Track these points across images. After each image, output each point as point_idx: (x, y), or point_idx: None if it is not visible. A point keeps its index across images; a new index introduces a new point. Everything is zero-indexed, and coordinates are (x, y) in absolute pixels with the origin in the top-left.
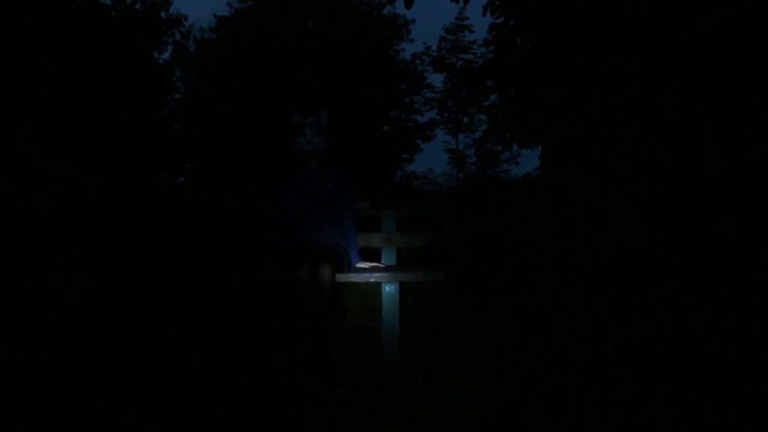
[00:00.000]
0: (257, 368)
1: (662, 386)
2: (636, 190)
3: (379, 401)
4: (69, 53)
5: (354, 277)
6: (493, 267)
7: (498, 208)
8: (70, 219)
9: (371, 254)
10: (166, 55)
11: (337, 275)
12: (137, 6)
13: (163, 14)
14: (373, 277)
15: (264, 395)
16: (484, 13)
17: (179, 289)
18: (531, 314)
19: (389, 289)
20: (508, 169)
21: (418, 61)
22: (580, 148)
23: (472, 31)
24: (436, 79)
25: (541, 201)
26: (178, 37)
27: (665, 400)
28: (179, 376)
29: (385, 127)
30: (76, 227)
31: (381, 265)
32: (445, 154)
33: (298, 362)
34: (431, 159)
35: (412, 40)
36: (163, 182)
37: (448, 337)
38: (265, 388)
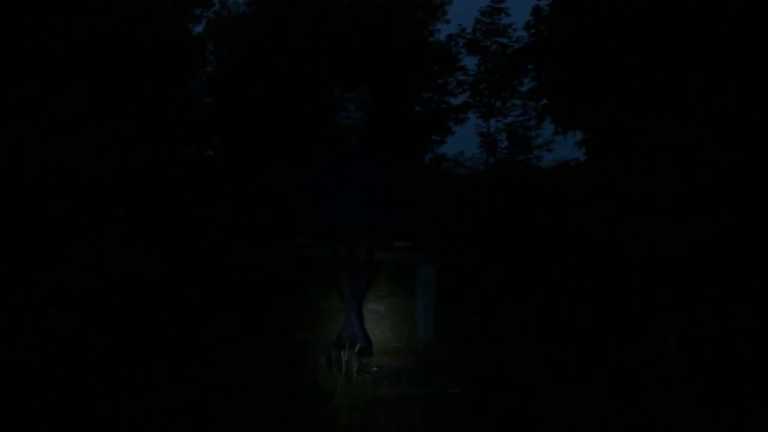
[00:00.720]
0: (289, 345)
1: (727, 379)
2: (700, 178)
3: (414, 382)
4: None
5: (391, 256)
6: (536, 252)
7: (542, 193)
8: (123, 185)
9: (407, 234)
10: (199, 28)
11: (375, 254)
12: None
13: None
14: (410, 257)
15: (295, 372)
16: None
17: (211, 265)
18: (582, 301)
19: (426, 269)
20: (541, 155)
21: (452, 43)
22: (635, 134)
23: (508, 15)
24: (470, 62)
25: (599, 188)
26: (216, 6)
27: (727, 392)
28: (214, 350)
29: (418, 108)
30: (127, 194)
31: (417, 245)
32: (477, 138)
33: (332, 340)
34: (463, 142)
35: (448, 21)
36: (193, 155)
37: (485, 319)
38: (296, 364)
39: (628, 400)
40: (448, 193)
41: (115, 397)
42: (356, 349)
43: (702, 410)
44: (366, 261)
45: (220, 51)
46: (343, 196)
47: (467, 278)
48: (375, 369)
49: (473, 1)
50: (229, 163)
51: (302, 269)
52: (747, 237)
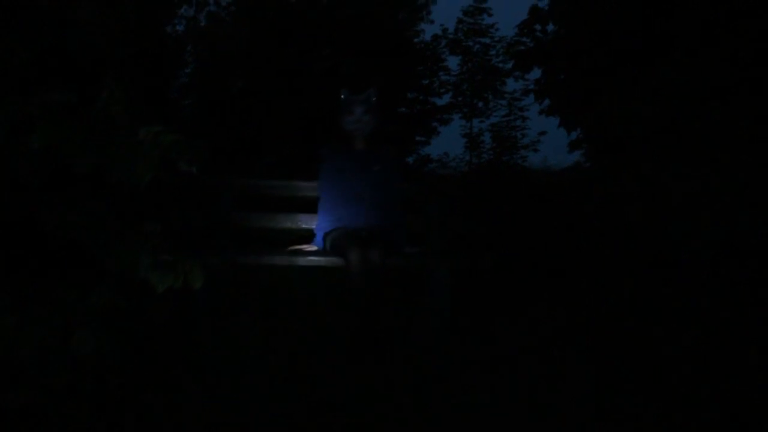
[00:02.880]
0: (301, 354)
1: None
2: (740, 178)
3: (430, 391)
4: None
5: (403, 262)
6: (552, 255)
7: (551, 194)
8: (156, 193)
9: (418, 238)
10: (179, 29)
11: (387, 259)
12: None
13: None
14: (422, 262)
15: (307, 381)
16: None
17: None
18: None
19: (439, 274)
20: (526, 155)
21: (435, 43)
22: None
23: (490, 15)
24: (454, 62)
25: (626, 189)
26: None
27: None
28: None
29: (402, 109)
30: (157, 202)
31: (428, 250)
32: (463, 139)
33: (346, 350)
34: (449, 143)
35: (432, 22)
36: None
37: (501, 324)
38: (308, 374)
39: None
40: (457, 194)
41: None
42: None
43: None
44: (379, 266)
45: (198, 52)
46: (352, 201)
47: (483, 282)
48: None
49: (457, 1)
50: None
51: (313, 277)
52: None
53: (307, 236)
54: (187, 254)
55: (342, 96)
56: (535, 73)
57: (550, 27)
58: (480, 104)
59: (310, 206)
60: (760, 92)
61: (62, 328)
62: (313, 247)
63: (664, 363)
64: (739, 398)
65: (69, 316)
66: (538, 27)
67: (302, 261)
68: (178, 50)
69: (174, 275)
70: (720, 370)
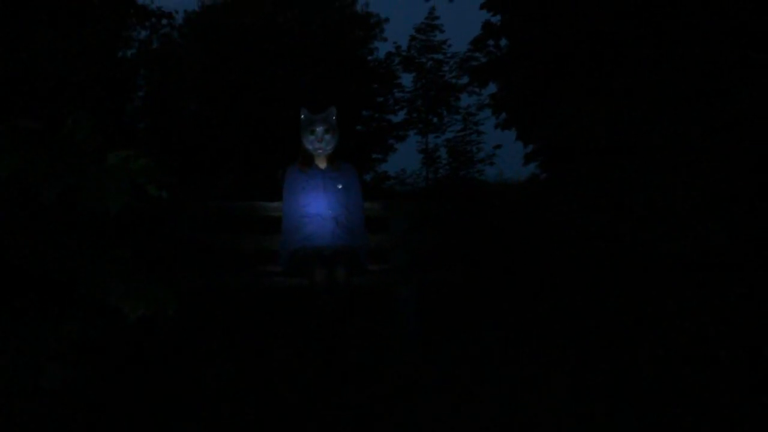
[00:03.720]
0: (269, 377)
1: None
2: (706, 186)
3: (397, 410)
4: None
5: (368, 280)
6: (519, 267)
7: (512, 207)
8: (125, 220)
9: (381, 256)
10: (130, 53)
11: (353, 278)
12: None
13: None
14: (388, 280)
15: (276, 403)
16: (482, 8)
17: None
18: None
19: (405, 291)
20: (483, 169)
21: (390, 61)
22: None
23: (442, 31)
24: (407, 79)
25: (589, 199)
26: (166, 28)
27: None
28: (197, 386)
29: (358, 127)
30: (126, 228)
31: (393, 267)
32: (419, 155)
33: (312, 371)
34: (406, 160)
35: (385, 39)
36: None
37: (470, 340)
38: (277, 397)
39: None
40: (421, 211)
41: None
42: None
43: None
44: (345, 285)
45: (152, 76)
46: (316, 220)
47: (449, 297)
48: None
49: (409, 18)
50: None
51: (277, 297)
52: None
53: (272, 257)
54: (158, 280)
55: (302, 115)
56: (491, 88)
57: (503, 42)
58: (435, 120)
59: (273, 226)
60: (715, 100)
61: (32, 361)
62: (277, 268)
63: (637, 372)
64: (714, 402)
65: (39, 349)
66: (491, 42)
67: (267, 282)
68: (131, 73)
69: (146, 302)
70: (688, 376)
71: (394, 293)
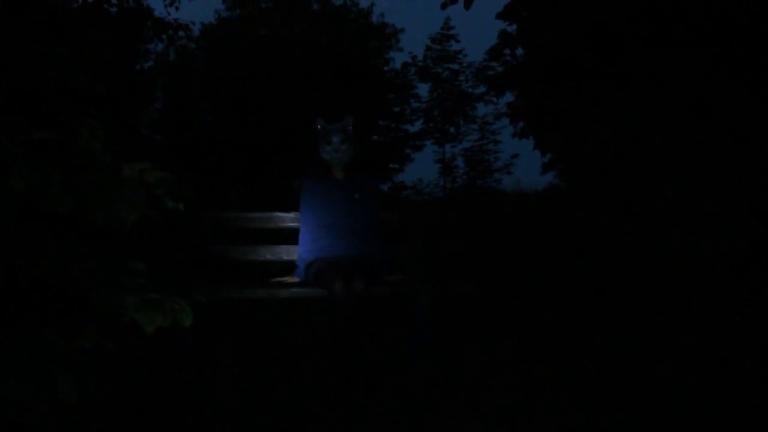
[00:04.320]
0: (285, 387)
1: None
2: (724, 196)
3: (419, 421)
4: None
5: (385, 291)
6: (534, 276)
7: (528, 216)
8: (141, 232)
9: (399, 266)
10: (148, 65)
11: (370, 288)
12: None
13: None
14: (405, 291)
15: (294, 412)
16: (497, 17)
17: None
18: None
19: (421, 302)
20: (500, 178)
21: (406, 71)
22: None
23: (457, 41)
24: (423, 89)
25: (605, 207)
26: (183, 40)
27: None
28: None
29: (375, 137)
30: (142, 240)
31: (410, 278)
32: (436, 165)
33: (329, 381)
34: (423, 169)
35: (401, 50)
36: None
37: (485, 351)
38: (294, 406)
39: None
40: (438, 222)
41: None
42: None
43: None
44: (362, 296)
45: (169, 86)
46: (334, 231)
47: (466, 307)
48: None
49: (424, 28)
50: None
51: (294, 308)
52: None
53: (289, 268)
54: (174, 292)
55: (318, 126)
56: (507, 97)
57: (519, 51)
58: (452, 129)
59: (290, 237)
60: (726, 107)
61: (48, 373)
62: (295, 279)
63: (656, 381)
64: (739, 406)
65: (53, 363)
66: (507, 51)
67: (285, 293)
68: (148, 85)
69: (163, 314)
70: (704, 385)
71: (411, 304)
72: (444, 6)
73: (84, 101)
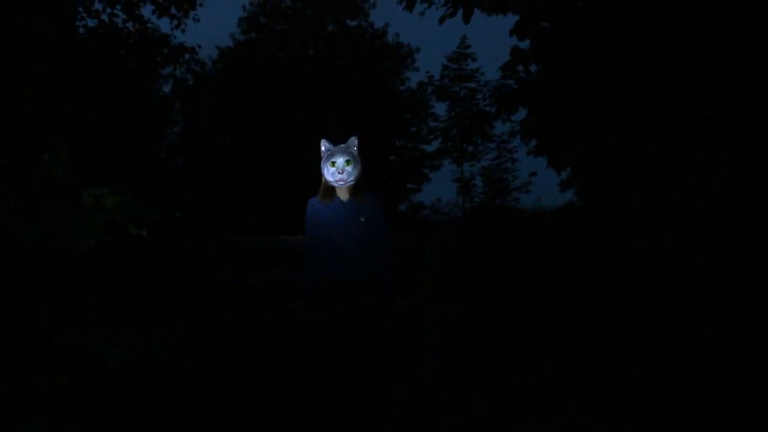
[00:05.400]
0: (293, 412)
1: None
2: (742, 211)
3: None
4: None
5: (394, 314)
6: (550, 296)
7: (546, 235)
8: (104, 260)
9: (410, 288)
10: (166, 89)
11: (378, 311)
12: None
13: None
14: (415, 313)
15: None
16: (511, 34)
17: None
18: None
19: (432, 325)
20: (519, 197)
21: (422, 91)
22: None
23: (474, 59)
24: (440, 108)
25: (625, 224)
26: (194, 66)
27: None
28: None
29: (391, 157)
30: (109, 269)
31: (420, 301)
32: (454, 184)
33: (337, 411)
34: (440, 189)
35: (417, 69)
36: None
37: (495, 373)
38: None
39: None
40: (450, 243)
41: None
42: None
43: None
44: (370, 319)
45: (187, 111)
46: (339, 252)
47: (480, 331)
48: None
49: (441, 48)
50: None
51: (302, 331)
52: None
53: (295, 291)
54: (146, 322)
55: (323, 147)
56: (521, 114)
57: (533, 68)
58: (470, 148)
59: (297, 260)
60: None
61: (16, 415)
62: (301, 302)
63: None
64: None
65: (14, 404)
66: (521, 68)
67: (291, 316)
68: (165, 109)
69: (128, 347)
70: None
71: (421, 326)
72: (442, 20)
73: (64, 124)
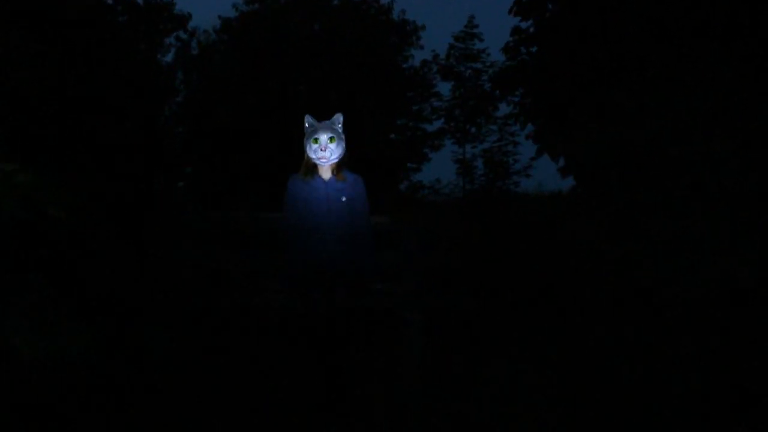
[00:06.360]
0: (264, 407)
1: None
2: (734, 215)
3: None
4: (53, 46)
5: (372, 302)
6: (535, 294)
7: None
8: (29, 247)
9: (390, 275)
10: (168, 57)
11: (355, 300)
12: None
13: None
14: (394, 303)
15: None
16: (509, 12)
17: (176, 317)
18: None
19: (412, 316)
20: (518, 181)
21: (426, 69)
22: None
23: (481, 40)
24: (445, 88)
25: (602, 225)
26: (183, 35)
27: None
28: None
29: (392, 135)
30: (36, 258)
31: (401, 289)
32: (454, 165)
33: (309, 400)
34: (440, 169)
35: (421, 47)
36: (158, 194)
37: (481, 371)
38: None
39: None
40: (434, 228)
41: None
42: None
43: None
44: (345, 307)
45: (189, 80)
46: (316, 235)
47: (461, 324)
48: None
49: (447, 26)
50: (199, 200)
51: (276, 318)
52: None
53: (275, 273)
54: (68, 315)
55: (306, 123)
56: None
57: (535, 49)
58: (473, 129)
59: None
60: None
61: None
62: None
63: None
64: None
65: None
66: (523, 50)
67: (260, 302)
68: (167, 78)
69: (48, 340)
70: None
71: (401, 317)
72: None
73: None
